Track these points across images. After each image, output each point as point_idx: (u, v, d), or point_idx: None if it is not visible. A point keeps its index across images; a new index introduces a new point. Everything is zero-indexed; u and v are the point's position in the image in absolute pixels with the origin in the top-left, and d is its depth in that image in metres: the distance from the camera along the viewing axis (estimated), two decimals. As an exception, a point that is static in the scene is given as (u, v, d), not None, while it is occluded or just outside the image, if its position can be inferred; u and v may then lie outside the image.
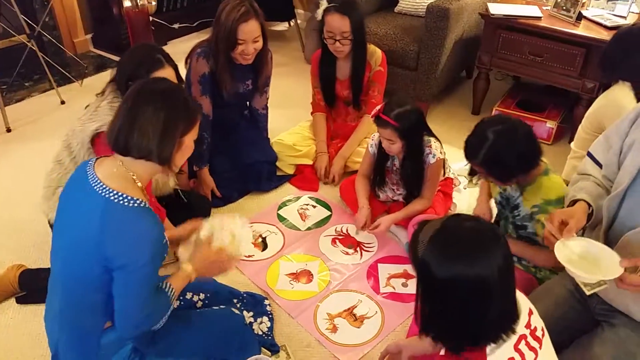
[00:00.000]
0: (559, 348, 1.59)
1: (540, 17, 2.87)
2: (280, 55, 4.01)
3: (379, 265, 2.23)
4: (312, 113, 2.86)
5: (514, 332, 1.11)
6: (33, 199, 2.24)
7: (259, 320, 1.95)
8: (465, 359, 1.12)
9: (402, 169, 2.28)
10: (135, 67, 1.92)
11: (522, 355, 1.12)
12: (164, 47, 4.06)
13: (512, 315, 1.13)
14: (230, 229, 1.66)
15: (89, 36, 4.11)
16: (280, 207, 2.54)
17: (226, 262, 1.62)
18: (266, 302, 2.03)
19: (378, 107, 2.17)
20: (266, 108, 2.75)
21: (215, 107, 2.52)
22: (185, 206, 2.30)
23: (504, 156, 1.66)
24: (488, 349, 1.10)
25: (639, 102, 2.04)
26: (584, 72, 2.79)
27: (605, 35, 2.69)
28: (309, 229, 2.42)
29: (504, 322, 1.11)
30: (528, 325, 1.16)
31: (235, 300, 1.97)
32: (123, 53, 3.80)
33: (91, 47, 4.13)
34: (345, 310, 2.02)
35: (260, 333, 1.91)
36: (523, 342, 1.13)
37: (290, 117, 3.13)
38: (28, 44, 3.33)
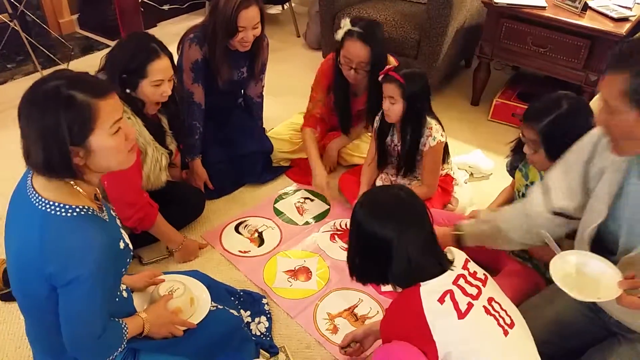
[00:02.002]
0: (569, 355, 1.55)
1: (545, 7, 2.79)
2: (274, 40, 3.87)
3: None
4: (302, 128, 2.53)
5: (443, 271, 1.30)
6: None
7: (256, 320, 1.88)
8: (401, 295, 1.36)
9: (402, 141, 2.19)
10: (130, 59, 1.82)
11: (462, 289, 1.27)
12: (153, 30, 4.01)
13: (435, 263, 1.32)
14: (191, 292, 1.62)
15: (74, 16, 3.95)
16: (276, 201, 2.46)
17: (178, 328, 1.53)
18: (264, 301, 1.96)
19: (388, 67, 2.10)
20: (261, 96, 2.65)
21: (208, 95, 2.42)
22: (179, 200, 2.21)
23: (568, 130, 1.56)
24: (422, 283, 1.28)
25: None
26: (588, 65, 2.73)
27: (611, 27, 2.63)
28: (306, 223, 2.35)
29: (427, 268, 1.30)
30: (465, 268, 1.33)
31: (232, 298, 1.90)
32: (109, 34, 3.67)
33: (77, 28, 3.97)
34: (345, 310, 1.96)
35: (258, 334, 1.85)
36: (462, 280, 1.29)
37: (285, 105, 3.04)
38: (10, 23, 3.18)
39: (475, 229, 1.68)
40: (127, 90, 1.83)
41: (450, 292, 1.27)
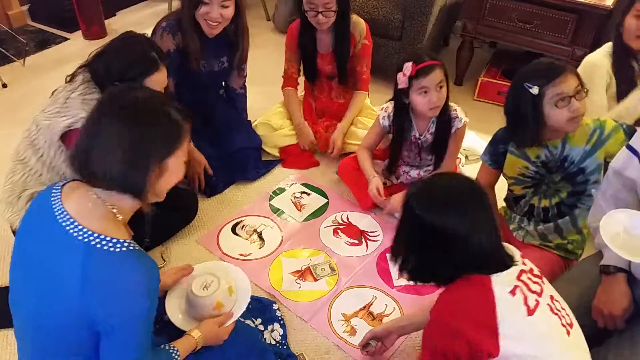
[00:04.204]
0: (598, 335, 1.51)
1: (529, -18, 2.74)
2: (244, 26, 3.70)
3: (388, 255, 2.08)
4: (282, 88, 2.63)
5: (507, 266, 1.19)
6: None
7: (269, 327, 1.78)
8: (468, 280, 1.20)
9: (435, 137, 2.12)
10: (127, 68, 1.66)
11: (526, 285, 1.18)
12: (113, 19, 3.75)
13: (500, 258, 1.21)
14: (226, 281, 1.52)
15: (24, 8, 3.64)
16: (271, 197, 2.33)
17: (225, 331, 1.45)
18: (275, 306, 1.85)
19: (406, 69, 1.96)
20: (244, 87, 2.51)
21: (189, 89, 2.26)
22: (170, 203, 2.04)
23: None
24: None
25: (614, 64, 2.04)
26: (575, 39, 2.70)
27: (598, 0, 2.60)
28: (306, 219, 2.23)
29: (491, 263, 1.18)
30: (524, 264, 1.23)
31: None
32: (66, 26, 3.39)
33: (29, 21, 3.66)
34: (361, 309, 1.87)
35: (274, 342, 1.74)
36: (525, 275, 1.20)
37: (266, 94, 2.88)
38: (-44, 19, 2.90)
39: None
40: None
41: (519, 287, 1.18)
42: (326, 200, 2.33)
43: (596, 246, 1.59)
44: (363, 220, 2.23)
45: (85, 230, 1.07)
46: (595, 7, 2.57)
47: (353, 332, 1.80)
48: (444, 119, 2.07)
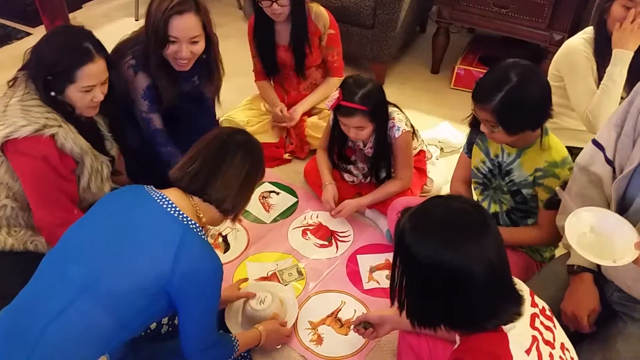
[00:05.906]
0: (571, 339, 1.46)
1: (505, -36, 2.63)
2: (215, 15, 3.53)
3: (358, 257, 2.00)
4: (255, 81, 2.55)
5: (519, 314, 1.03)
6: None
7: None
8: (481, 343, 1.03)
9: (374, 152, 2.03)
10: (57, 60, 1.53)
11: (540, 333, 1.07)
12: (78, 12, 3.60)
13: (510, 298, 1.05)
14: (277, 295, 1.73)
15: (-16, 2, 3.50)
16: (238, 198, 2.24)
17: (286, 332, 1.68)
18: (238, 316, 1.79)
19: (335, 95, 1.88)
20: None
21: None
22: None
23: (523, 101, 1.45)
24: (505, 328, 1.03)
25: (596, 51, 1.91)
26: (552, 24, 2.61)
27: (574, -17, 2.50)
28: (275, 220, 2.15)
29: (501, 305, 1.03)
30: (534, 305, 1.11)
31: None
32: (27, 20, 3.22)
33: (-11, 15, 3.52)
34: (328, 316, 1.80)
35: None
36: (537, 320, 1.09)
37: (238, 87, 2.77)
38: None
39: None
40: (52, 94, 1.56)
41: (536, 340, 1.04)
42: (296, 200, 2.24)
43: (564, 246, 1.52)
44: (334, 220, 2.14)
45: (185, 215, 1.27)
46: (572, -10, 2.48)
47: (320, 340, 1.72)
48: (380, 132, 1.98)
